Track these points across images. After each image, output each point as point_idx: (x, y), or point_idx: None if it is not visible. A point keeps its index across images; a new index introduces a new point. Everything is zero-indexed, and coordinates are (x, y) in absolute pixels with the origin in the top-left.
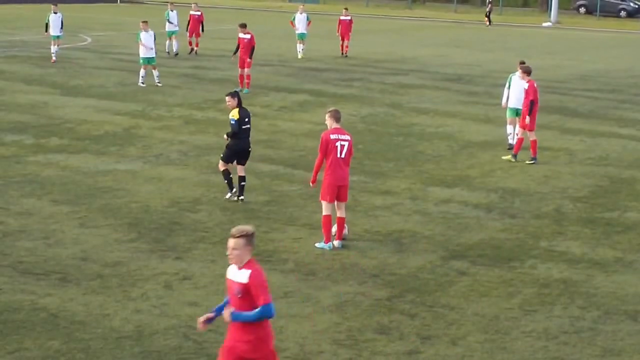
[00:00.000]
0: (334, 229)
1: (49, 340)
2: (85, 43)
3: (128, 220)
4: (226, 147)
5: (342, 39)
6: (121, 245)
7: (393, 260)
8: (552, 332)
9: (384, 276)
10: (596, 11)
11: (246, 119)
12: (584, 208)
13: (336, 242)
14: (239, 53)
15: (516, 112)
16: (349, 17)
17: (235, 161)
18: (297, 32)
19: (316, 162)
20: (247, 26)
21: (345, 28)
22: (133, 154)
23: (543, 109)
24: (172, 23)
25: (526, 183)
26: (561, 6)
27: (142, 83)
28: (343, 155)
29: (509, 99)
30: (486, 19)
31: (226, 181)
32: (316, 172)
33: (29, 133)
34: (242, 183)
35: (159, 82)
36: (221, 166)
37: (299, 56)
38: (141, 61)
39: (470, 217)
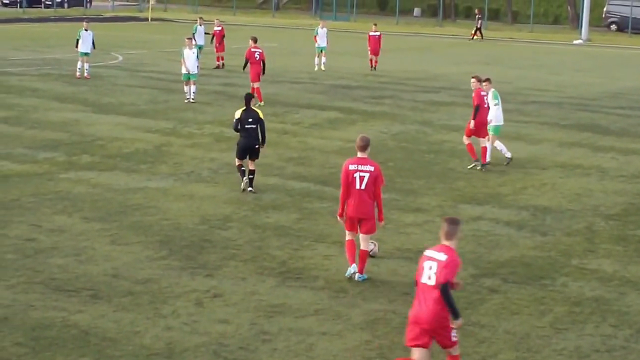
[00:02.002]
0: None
1: (80, 357)
2: (116, 61)
3: (159, 237)
4: (236, 144)
5: (372, 54)
6: (152, 262)
7: None
8: (583, 351)
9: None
10: (627, 28)
11: (249, 120)
12: (615, 226)
13: (357, 276)
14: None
15: (492, 128)
16: (378, 33)
17: (247, 157)
18: (317, 45)
19: (340, 193)
20: (257, 41)
21: (375, 43)
22: (164, 172)
23: (574, 126)
24: (198, 38)
25: (557, 200)
26: (592, 23)
27: (192, 99)
28: (363, 187)
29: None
30: (477, 33)
31: (238, 173)
32: (342, 204)
33: (61, 150)
34: (251, 176)
35: (193, 99)
36: (236, 162)
37: (322, 68)
38: (183, 77)
39: (501, 235)
